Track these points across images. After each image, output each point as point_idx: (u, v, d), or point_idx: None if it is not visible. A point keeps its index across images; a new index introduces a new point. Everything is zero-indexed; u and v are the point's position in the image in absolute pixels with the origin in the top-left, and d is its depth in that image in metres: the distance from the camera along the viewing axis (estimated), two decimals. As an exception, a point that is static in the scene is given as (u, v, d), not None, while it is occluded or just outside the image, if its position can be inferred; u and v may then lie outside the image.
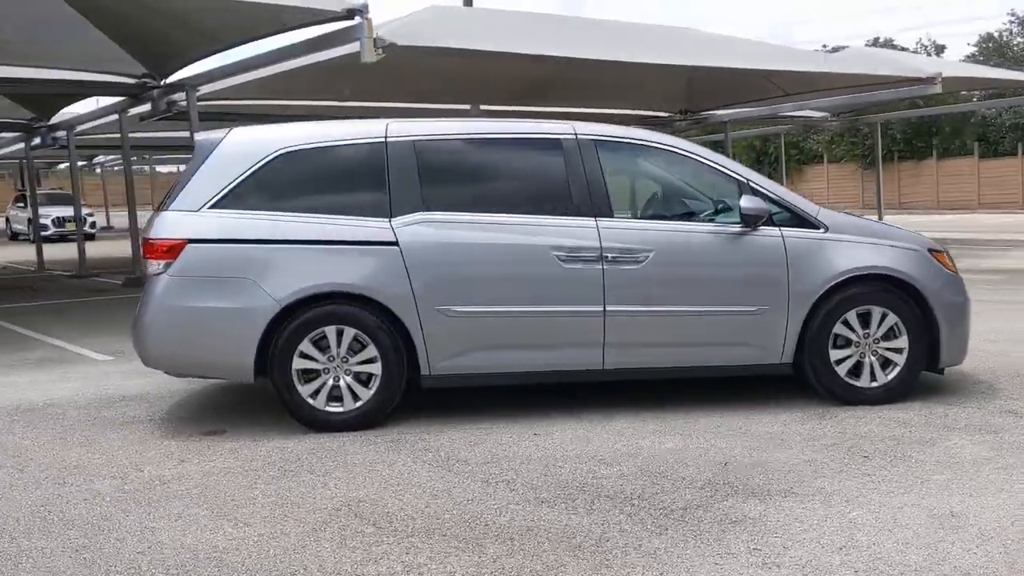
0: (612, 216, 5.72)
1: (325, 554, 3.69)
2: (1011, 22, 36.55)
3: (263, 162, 5.60)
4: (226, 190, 5.56)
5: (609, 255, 5.60)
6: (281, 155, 5.63)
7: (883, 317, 5.78)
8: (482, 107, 17.10)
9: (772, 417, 5.56)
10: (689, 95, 18.81)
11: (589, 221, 5.66)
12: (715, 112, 20.12)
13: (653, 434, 5.27)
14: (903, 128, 35.98)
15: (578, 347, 5.66)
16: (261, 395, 6.43)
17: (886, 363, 5.82)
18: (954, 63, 19.28)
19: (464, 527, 3.94)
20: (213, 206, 5.55)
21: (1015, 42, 35.88)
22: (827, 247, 5.79)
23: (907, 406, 5.70)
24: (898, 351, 5.80)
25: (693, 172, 6.00)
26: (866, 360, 5.80)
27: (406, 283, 5.49)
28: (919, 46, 38.12)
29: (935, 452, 4.80)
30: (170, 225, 5.55)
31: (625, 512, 4.05)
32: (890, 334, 5.80)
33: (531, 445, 5.13)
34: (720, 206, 5.97)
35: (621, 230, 5.68)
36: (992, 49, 35.38)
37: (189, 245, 5.47)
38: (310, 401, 5.50)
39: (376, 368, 5.52)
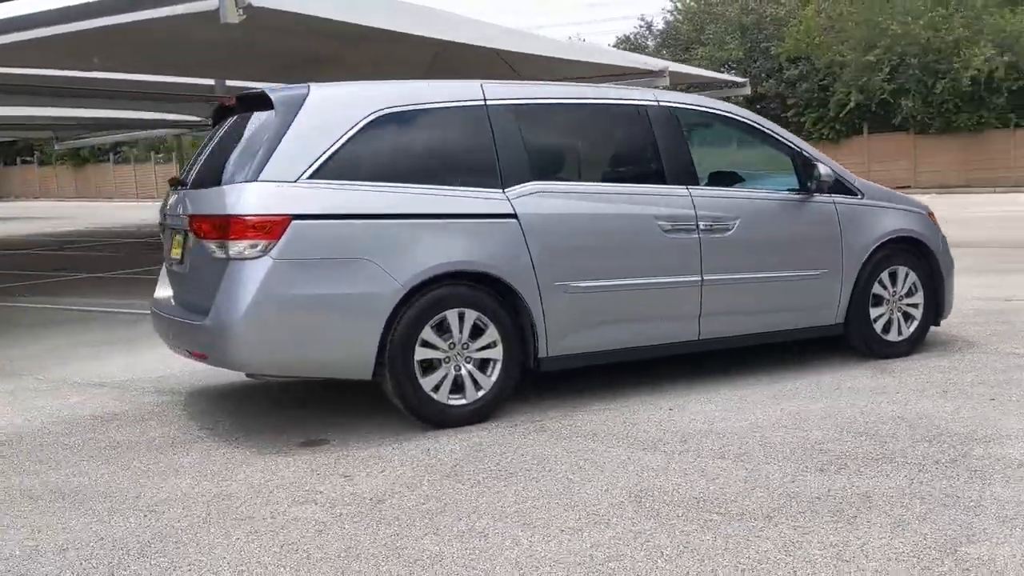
0: (699, 184, 5.66)
1: (753, 544, 3.34)
2: (641, 27, 40.63)
3: (361, 125, 4.83)
4: (324, 157, 4.72)
5: (703, 224, 5.54)
6: (380, 117, 4.89)
7: (906, 276, 6.28)
8: (228, 83, 15.83)
9: (845, 373, 5.81)
10: (429, 77, 18.70)
11: (682, 189, 5.55)
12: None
13: (784, 399, 5.27)
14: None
15: (679, 318, 5.54)
16: (276, 395, 5.59)
17: (906, 317, 6.33)
18: (673, 62, 21.13)
19: (802, 505, 3.70)
20: (312, 176, 4.69)
21: (647, 45, 39.77)
22: (867, 212, 6.17)
23: (926, 355, 6.24)
24: (915, 306, 6.33)
25: (755, 141, 6.08)
26: (894, 316, 6.27)
27: (527, 258, 5.03)
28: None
29: (1034, 388, 5.34)
30: (266, 198, 4.60)
31: (918, 470, 4.05)
32: (910, 291, 6.31)
33: (689, 420, 4.93)
34: (765, 174, 6.14)
35: (711, 198, 5.63)
36: (629, 51, 38.91)
37: (295, 222, 4.57)
38: (432, 395, 4.86)
39: (496, 353, 5.00)
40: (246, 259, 4.55)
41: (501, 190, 5.05)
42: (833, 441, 4.51)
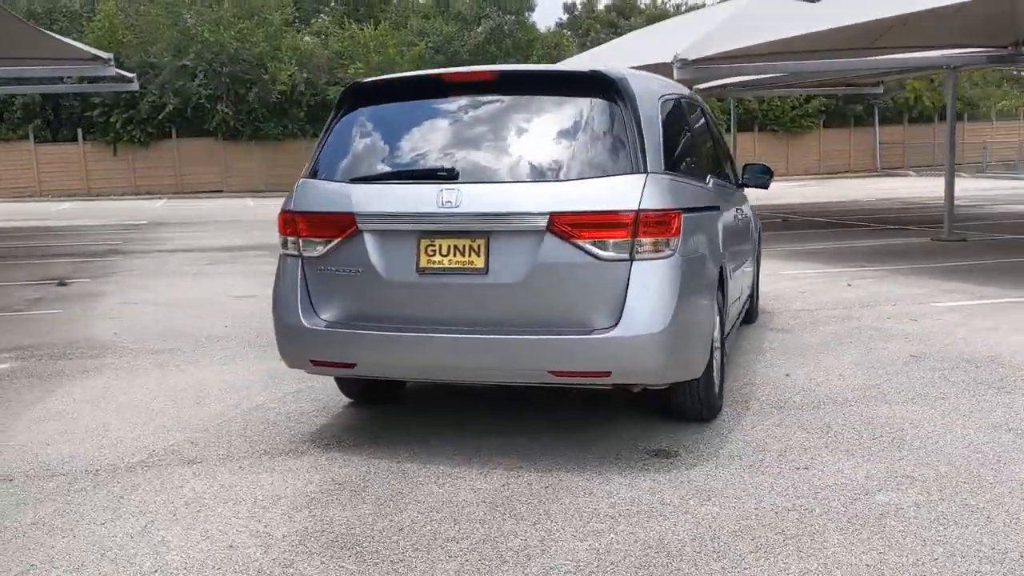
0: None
1: None
2: None
3: (666, 112, 4.53)
4: (664, 146, 4.33)
5: (726, 211, 6.21)
6: (663, 103, 4.60)
7: (756, 257, 7.74)
8: None
9: (779, 335, 7.04)
10: None
11: (719, 180, 6.13)
12: None
13: (826, 356, 6.25)
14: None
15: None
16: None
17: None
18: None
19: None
20: (665, 167, 4.27)
21: None
22: (748, 205, 7.44)
23: (768, 319, 7.83)
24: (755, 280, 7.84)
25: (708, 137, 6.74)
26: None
27: (724, 247, 5.21)
28: None
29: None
30: (666, 192, 4.12)
31: (1047, 385, 5.58)
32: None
33: (833, 381, 5.67)
34: None
35: (719, 188, 6.16)
36: None
37: (684, 215, 4.16)
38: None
39: (719, 340, 5.08)
40: (655, 259, 4.02)
41: (706, 181, 5.14)
42: (953, 374, 5.72)
